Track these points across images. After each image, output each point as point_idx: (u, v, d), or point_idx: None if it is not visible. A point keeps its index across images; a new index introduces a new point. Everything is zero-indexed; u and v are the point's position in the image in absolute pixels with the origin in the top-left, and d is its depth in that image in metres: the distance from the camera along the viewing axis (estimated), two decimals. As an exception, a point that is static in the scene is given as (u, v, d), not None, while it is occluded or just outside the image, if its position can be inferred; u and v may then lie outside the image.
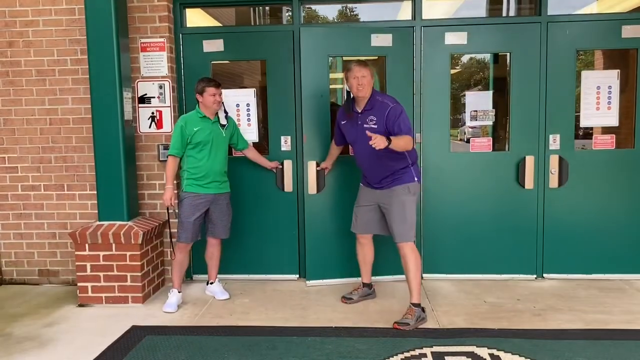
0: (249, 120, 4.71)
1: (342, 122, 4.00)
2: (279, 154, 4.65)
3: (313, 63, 4.43)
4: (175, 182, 4.16)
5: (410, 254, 3.73)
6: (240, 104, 4.69)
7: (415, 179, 3.80)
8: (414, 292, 3.73)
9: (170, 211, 4.18)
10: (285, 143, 4.65)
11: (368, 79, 3.71)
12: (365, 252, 4.16)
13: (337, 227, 4.50)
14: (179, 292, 4.16)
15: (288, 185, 4.64)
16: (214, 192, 4.13)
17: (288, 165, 4.62)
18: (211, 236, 4.29)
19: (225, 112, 4.27)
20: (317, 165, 4.46)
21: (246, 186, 4.70)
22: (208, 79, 4.11)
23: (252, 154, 4.48)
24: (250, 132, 4.69)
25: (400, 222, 3.75)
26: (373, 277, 4.29)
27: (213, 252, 4.34)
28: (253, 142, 4.66)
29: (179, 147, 4.03)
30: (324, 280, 4.61)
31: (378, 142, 3.41)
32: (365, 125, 3.74)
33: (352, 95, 3.85)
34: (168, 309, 4.03)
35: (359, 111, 3.81)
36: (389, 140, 3.44)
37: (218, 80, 4.14)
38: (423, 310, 3.76)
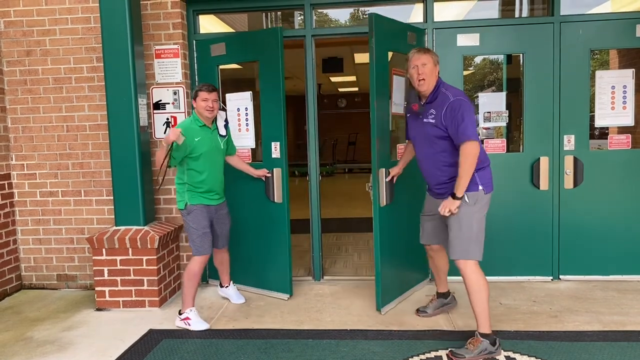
0: (247, 124, 4.57)
1: (408, 115, 3.60)
2: (271, 161, 4.35)
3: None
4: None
5: (470, 274, 3.21)
6: (240, 108, 4.57)
7: (480, 186, 3.24)
8: (478, 319, 3.23)
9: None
10: (275, 150, 4.33)
11: (430, 67, 3.27)
12: (436, 261, 3.83)
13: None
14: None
15: (278, 196, 4.32)
16: (217, 203, 3.99)
17: (278, 174, 4.30)
18: (214, 246, 4.09)
19: (226, 120, 4.01)
20: (387, 173, 3.94)
21: (237, 195, 4.50)
22: (203, 83, 3.87)
23: (235, 161, 4.23)
24: (246, 138, 4.55)
25: (455, 236, 3.26)
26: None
27: (223, 257, 4.29)
28: (251, 148, 4.57)
29: (178, 157, 3.68)
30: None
31: (446, 207, 3.22)
32: (425, 120, 3.34)
33: None
34: (202, 327, 3.78)
35: (422, 103, 3.40)
36: (456, 195, 3.17)
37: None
38: (494, 343, 3.19)
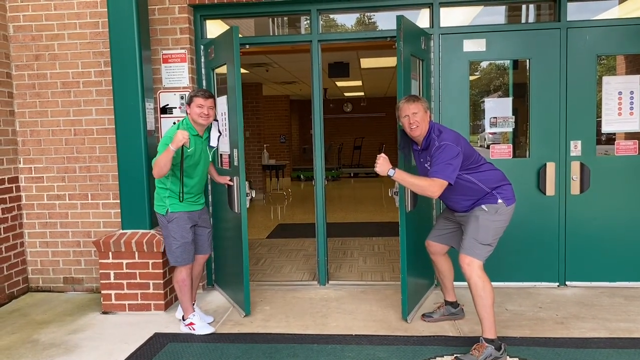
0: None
1: (414, 146, 3.60)
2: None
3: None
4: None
5: (476, 279, 3.20)
6: (224, 113, 4.29)
7: (499, 200, 3.32)
8: (483, 324, 3.22)
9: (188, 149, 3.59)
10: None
11: (421, 115, 3.33)
12: (438, 265, 3.85)
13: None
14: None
15: (237, 205, 4.04)
16: (201, 208, 3.90)
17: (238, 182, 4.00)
18: (197, 253, 3.95)
19: (219, 131, 3.88)
20: None
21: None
22: (199, 89, 3.72)
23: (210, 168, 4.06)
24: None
25: (470, 237, 3.30)
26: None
27: (200, 270, 4.08)
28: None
29: (176, 160, 3.56)
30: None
31: (379, 167, 3.32)
32: (426, 165, 3.40)
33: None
34: (207, 331, 3.77)
35: (419, 149, 3.49)
36: (390, 175, 3.27)
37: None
38: (499, 348, 3.18)
